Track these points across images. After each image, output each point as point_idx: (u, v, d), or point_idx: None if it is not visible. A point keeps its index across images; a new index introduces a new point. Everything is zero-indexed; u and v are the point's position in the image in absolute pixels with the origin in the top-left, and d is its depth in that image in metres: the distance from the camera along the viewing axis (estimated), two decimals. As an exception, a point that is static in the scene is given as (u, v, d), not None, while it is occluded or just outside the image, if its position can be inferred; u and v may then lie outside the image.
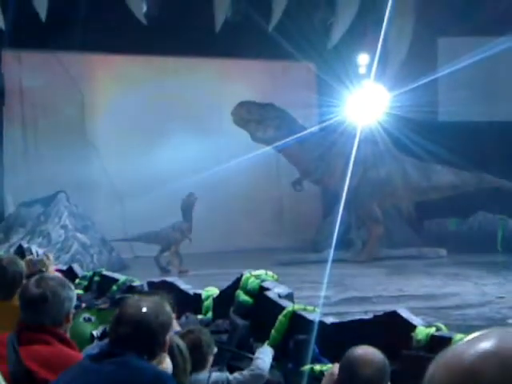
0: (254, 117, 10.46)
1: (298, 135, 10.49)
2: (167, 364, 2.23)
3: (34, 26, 10.29)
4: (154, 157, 11.54)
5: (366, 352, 2.36)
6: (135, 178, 11.43)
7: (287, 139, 10.38)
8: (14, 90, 11.05)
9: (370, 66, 11.13)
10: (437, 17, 10.89)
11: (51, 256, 4.59)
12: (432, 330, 3.99)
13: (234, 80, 12.19)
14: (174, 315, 2.31)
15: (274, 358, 3.89)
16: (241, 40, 11.31)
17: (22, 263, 3.32)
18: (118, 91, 11.63)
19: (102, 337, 3.22)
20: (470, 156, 10.09)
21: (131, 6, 10.77)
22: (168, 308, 2.20)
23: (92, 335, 3.49)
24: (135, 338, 2.06)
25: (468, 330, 4.59)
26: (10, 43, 10.55)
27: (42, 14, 10.18)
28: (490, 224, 11.34)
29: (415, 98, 9.84)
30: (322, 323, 4.45)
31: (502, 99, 11.49)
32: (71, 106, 11.42)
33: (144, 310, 2.10)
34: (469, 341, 0.84)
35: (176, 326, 2.82)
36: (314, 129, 11.52)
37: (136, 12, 10.83)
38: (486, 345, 0.82)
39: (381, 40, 9.84)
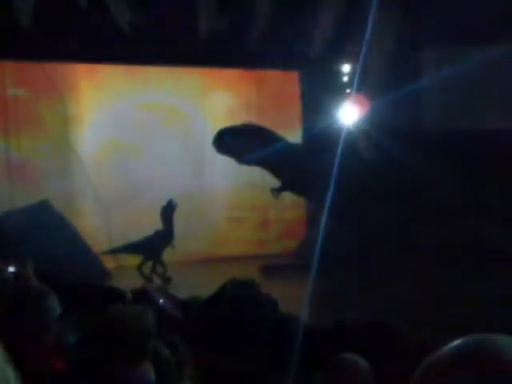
0: (236, 148, 10.53)
1: (279, 149, 10.56)
2: (151, 373, 2.25)
3: (18, 36, 10.28)
4: (138, 166, 11.58)
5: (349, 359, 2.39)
6: (120, 187, 11.45)
7: (268, 153, 10.43)
8: (-2, 100, 11.02)
9: (352, 75, 11.20)
10: (420, 26, 10.98)
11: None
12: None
13: (218, 89, 12.24)
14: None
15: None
16: (225, 49, 11.35)
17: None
18: (101, 101, 11.63)
19: None
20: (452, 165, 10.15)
21: (115, 15, 10.77)
22: (150, 316, 2.21)
23: None
24: (119, 346, 2.07)
25: None
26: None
27: (26, 23, 10.17)
28: None
29: (397, 106, 9.91)
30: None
31: (488, 107, 11.55)
32: (55, 116, 11.40)
33: (126, 318, 2.12)
34: (450, 347, 0.86)
35: None
36: (297, 141, 11.59)
37: (120, 21, 10.83)
38: (463, 351, 0.84)
39: (363, 48, 9.91)
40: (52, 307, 2.45)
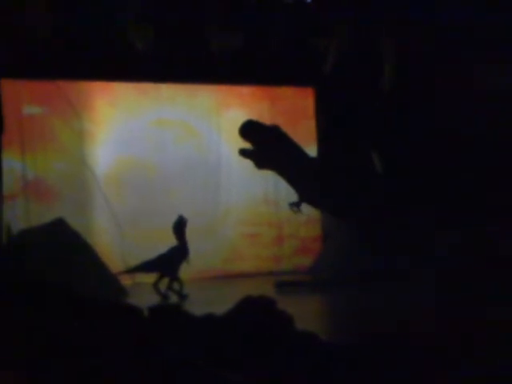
0: (258, 141, 10.40)
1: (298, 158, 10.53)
2: None
3: (34, 54, 10.38)
4: (152, 183, 11.62)
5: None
6: (134, 204, 11.48)
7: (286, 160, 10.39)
8: (14, 117, 11.09)
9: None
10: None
11: None
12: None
13: (231, 106, 12.28)
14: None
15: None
16: (238, 66, 11.41)
17: None
18: (116, 118, 11.69)
19: None
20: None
21: (129, 34, 10.86)
22: None
23: None
24: None
25: None
26: (10, 72, 10.63)
27: (41, 41, 10.28)
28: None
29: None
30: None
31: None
32: (70, 134, 11.46)
33: None
34: None
35: None
36: (313, 154, 11.60)
37: (133, 39, 10.93)
38: None
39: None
40: None
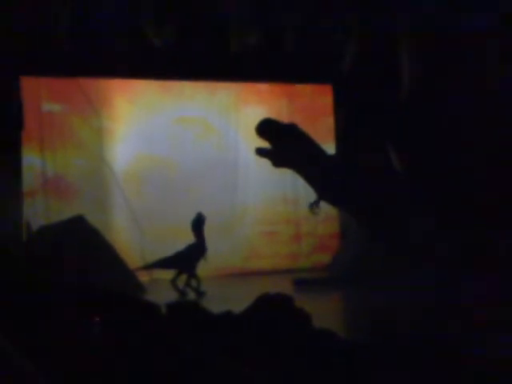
0: (275, 139, 10.38)
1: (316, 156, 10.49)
2: None
3: (53, 52, 10.45)
4: (171, 181, 11.65)
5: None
6: (153, 202, 11.52)
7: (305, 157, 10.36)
8: (33, 115, 11.16)
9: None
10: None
11: None
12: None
13: (250, 103, 12.28)
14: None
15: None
16: (257, 63, 11.42)
17: None
18: (135, 115, 11.74)
19: None
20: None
21: (148, 32, 10.89)
22: None
23: None
24: None
25: None
26: (29, 69, 10.71)
27: (60, 39, 10.34)
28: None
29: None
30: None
31: None
32: (90, 131, 11.52)
33: None
34: None
35: None
36: (331, 152, 11.55)
37: (153, 37, 10.96)
38: None
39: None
40: None
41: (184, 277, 9.61)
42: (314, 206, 9.10)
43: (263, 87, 12.48)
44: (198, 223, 9.69)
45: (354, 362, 3.92)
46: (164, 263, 9.82)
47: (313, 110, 12.55)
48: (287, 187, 12.21)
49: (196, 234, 9.66)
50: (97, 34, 10.56)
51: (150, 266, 10.14)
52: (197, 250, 9.67)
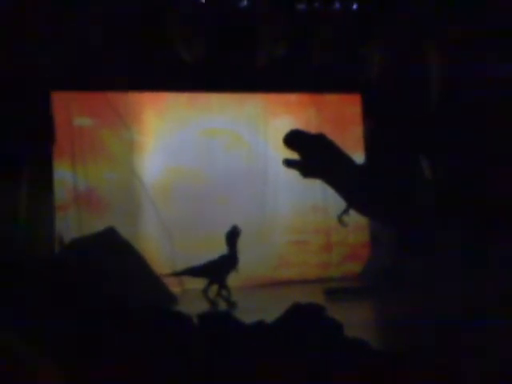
0: (303, 150, 10.39)
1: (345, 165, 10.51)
2: None
3: (84, 66, 10.58)
4: (200, 192, 11.71)
5: None
6: (183, 213, 11.58)
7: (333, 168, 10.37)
8: (64, 129, 11.29)
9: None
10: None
11: None
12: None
13: (278, 115, 12.32)
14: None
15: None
16: (284, 74, 11.46)
17: None
18: (165, 128, 11.83)
19: None
20: None
21: (177, 45, 11.00)
22: None
23: None
24: None
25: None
26: (60, 84, 10.85)
27: (91, 53, 10.51)
28: None
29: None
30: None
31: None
32: (120, 144, 11.63)
33: None
34: None
35: None
36: (360, 161, 11.57)
37: (181, 50, 11.06)
38: None
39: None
40: None
41: (215, 287, 9.66)
42: (342, 215, 9.14)
43: (291, 98, 12.51)
44: (233, 235, 9.76)
45: (384, 372, 3.92)
46: (195, 271, 9.90)
47: (341, 120, 12.55)
48: (317, 197, 12.22)
49: (229, 246, 9.73)
50: (127, 48, 10.67)
51: (180, 273, 10.23)
52: (229, 260, 9.73)
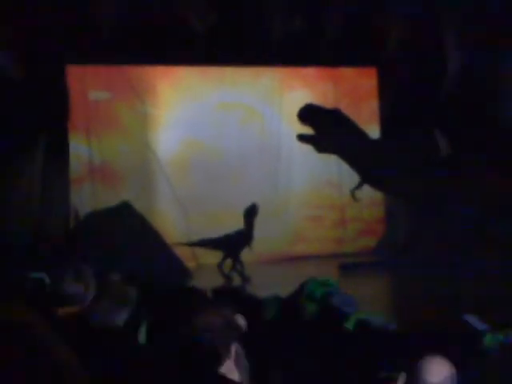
0: (318, 125, 10.34)
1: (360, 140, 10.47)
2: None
3: (99, 41, 10.54)
4: (214, 166, 11.68)
5: (436, 361, 2.36)
6: (197, 187, 11.58)
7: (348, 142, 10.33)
8: (80, 103, 11.28)
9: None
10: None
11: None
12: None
13: (294, 88, 12.24)
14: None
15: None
16: (300, 48, 11.36)
17: None
18: (179, 102, 11.79)
19: None
20: None
21: (191, 17, 10.92)
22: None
23: None
24: None
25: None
26: (75, 58, 10.82)
27: (105, 30, 10.46)
28: None
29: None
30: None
31: None
32: (134, 118, 11.61)
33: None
34: None
35: None
36: (375, 134, 11.50)
37: (195, 23, 10.99)
38: None
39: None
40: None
41: (229, 262, 9.70)
42: (355, 190, 9.07)
43: (308, 71, 12.41)
44: (251, 212, 9.81)
45: (398, 347, 3.91)
46: (210, 243, 9.95)
47: (357, 93, 12.46)
48: (332, 172, 12.16)
49: (246, 222, 9.78)
50: (141, 23, 10.61)
51: (195, 244, 10.28)
52: (244, 237, 9.77)
